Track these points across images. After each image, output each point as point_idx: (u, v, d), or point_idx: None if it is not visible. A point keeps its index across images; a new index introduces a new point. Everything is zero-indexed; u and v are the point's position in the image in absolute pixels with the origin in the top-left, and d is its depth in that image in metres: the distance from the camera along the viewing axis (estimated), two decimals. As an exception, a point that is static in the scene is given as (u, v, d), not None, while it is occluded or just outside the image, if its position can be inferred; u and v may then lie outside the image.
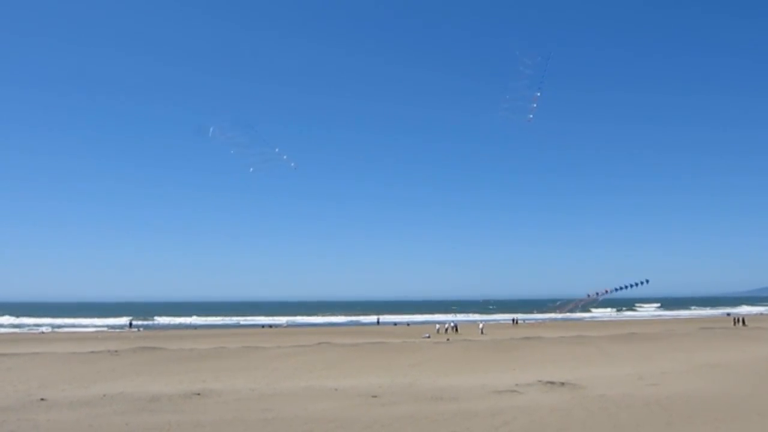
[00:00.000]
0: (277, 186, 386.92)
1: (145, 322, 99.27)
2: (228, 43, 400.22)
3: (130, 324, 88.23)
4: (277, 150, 25.20)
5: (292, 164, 25.90)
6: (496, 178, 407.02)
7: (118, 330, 78.85)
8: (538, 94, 22.80)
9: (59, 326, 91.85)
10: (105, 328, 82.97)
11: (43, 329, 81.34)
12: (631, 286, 25.30)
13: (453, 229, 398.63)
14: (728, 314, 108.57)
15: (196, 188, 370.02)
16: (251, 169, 26.34)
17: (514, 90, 22.71)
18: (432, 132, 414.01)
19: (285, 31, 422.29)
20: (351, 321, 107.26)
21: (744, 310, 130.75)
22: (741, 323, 68.74)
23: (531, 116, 23.14)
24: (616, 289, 25.80)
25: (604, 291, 25.20)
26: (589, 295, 25.24)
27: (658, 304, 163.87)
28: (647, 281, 25.17)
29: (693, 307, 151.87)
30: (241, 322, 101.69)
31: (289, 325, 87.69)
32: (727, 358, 29.51)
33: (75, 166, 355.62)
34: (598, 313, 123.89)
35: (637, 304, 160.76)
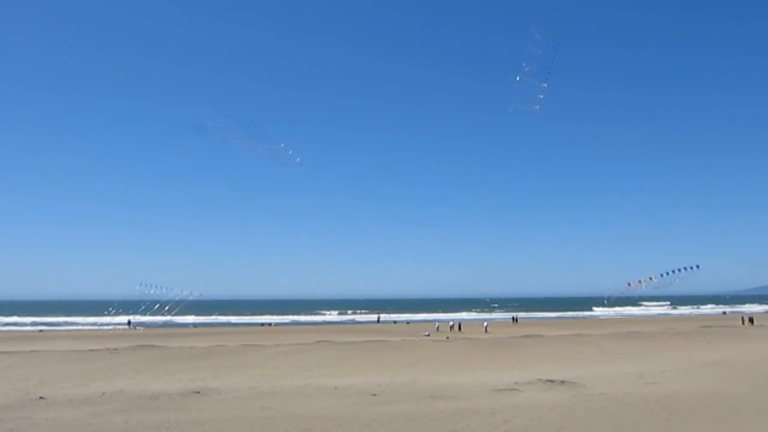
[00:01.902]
0: (276, 184, 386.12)
1: (144, 320, 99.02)
2: (229, 44, 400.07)
3: (129, 322, 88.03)
4: (282, 145, 25.03)
5: (297, 159, 25.68)
6: (498, 177, 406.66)
7: (117, 328, 78.78)
8: (545, 85, 22.38)
9: (56, 324, 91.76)
10: (111, 327, 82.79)
11: (41, 327, 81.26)
12: (680, 270, 24.19)
13: (454, 227, 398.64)
14: (724, 313, 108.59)
15: (193, 187, 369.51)
16: (233, 142, 26.08)
17: (521, 80, 22.23)
18: (433, 131, 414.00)
19: (286, 31, 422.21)
20: (351, 319, 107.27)
21: (747, 308, 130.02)
22: (749, 322, 64.89)
23: (537, 107, 22.77)
24: (662, 275, 24.48)
25: (649, 279, 24.25)
26: (630, 284, 24.39)
27: (668, 303, 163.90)
28: (698, 266, 24.15)
29: (701, 306, 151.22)
30: (232, 321, 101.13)
31: (276, 324, 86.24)
32: (726, 357, 29.50)
33: (73, 165, 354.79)
34: (598, 311, 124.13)
35: (642, 303, 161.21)
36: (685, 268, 24.10)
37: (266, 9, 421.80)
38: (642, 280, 24.37)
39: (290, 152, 24.96)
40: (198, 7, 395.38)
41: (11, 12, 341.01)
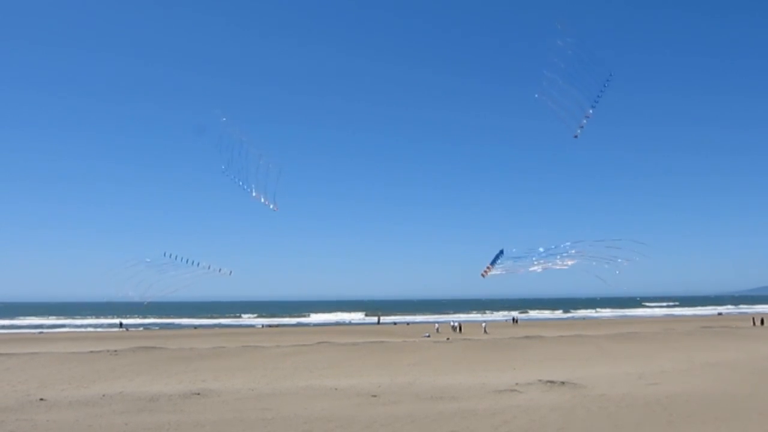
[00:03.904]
0: (275, 186, 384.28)
1: (138, 321, 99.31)
2: (229, 45, 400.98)
3: (121, 324, 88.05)
4: (254, 194, 23.97)
5: (271, 206, 24.66)
6: (500, 177, 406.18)
7: (112, 330, 78.77)
8: (591, 111, 21.08)
9: (56, 326, 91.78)
10: (104, 329, 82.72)
11: (41, 329, 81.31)
12: (495, 259, 23.52)
13: (455, 228, 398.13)
14: (720, 314, 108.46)
15: (191, 188, 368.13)
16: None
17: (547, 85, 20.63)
18: (433, 131, 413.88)
19: (286, 31, 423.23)
20: (351, 320, 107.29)
21: (757, 309, 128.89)
22: (761, 324, 63.66)
23: (579, 131, 21.49)
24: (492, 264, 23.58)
25: (486, 270, 23.77)
26: (483, 275, 23.79)
27: (675, 303, 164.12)
28: (502, 252, 23.36)
29: (702, 307, 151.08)
30: (222, 322, 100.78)
31: (276, 326, 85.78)
32: (727, 357, 29.49)
33: (73, 168, 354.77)
34: (600, 312, 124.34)
35: (645, 303, 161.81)
36: (497, 257, 23.17)
37: (266, 10, 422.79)
38: (485, 272, 23.53)
39: (262, 200, 24.17)
40: (199, 9, 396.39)
41: (12, 14, 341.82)
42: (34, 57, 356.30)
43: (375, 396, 19.32)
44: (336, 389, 21.01)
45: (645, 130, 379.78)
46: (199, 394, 20.25)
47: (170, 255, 22.81)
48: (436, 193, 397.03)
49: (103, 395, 20.21)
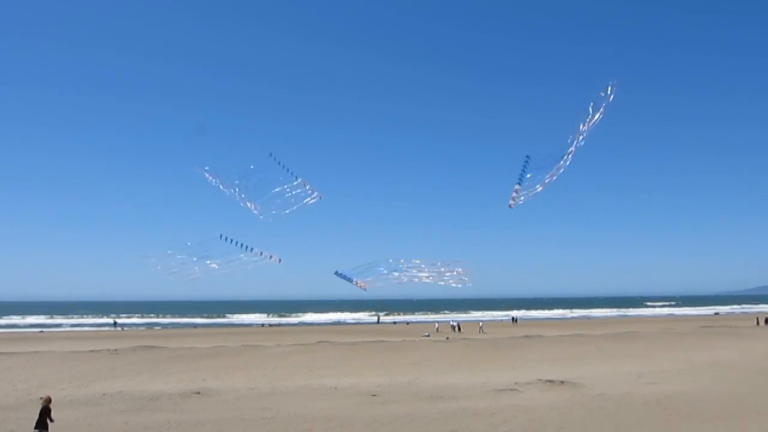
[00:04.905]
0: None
1: (135, 321, 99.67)
2: (229, 44, 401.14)
3: (115, 323, 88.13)
4: (299, 180, 23.31)
5: (315, 193, 24.10)
6: (500, 176, 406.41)
7: (111, 330, 78.76)
8: (518, 186, 20.50)
9: (57, 325, 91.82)
10: (111, 328, 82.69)
11: (42, 328, 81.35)
12: (345, 277, 23.26)
13: (454, 227, 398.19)
14: (717, 314, 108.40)
15: (190, 187, 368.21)
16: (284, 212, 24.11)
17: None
18: (433, 131, 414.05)
19: (286, 31, 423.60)
20: (350, 320, 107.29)
21: (760, 308, 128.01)
22: (765, 323, 62.99)
23: (512, 203, 21.05)
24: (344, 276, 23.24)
25: (360, 283, 23.51)
26: (361, 286, 23.32)
27: (675, 302, 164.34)
28: (337, 273, 23.04)
29: (701, 307, 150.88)
30: (222, 322, 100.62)
31: (277, 325, 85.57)
32: (725, 357, 29.53)
33: (74, 166, 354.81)
34: (600, 311, 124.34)
35: (647, 302, 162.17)
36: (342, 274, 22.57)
37: (267, 9, 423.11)
38: (363, 281, 23.02)
39: (307, 187, 23.40)
40: (199, 8, 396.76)
41: (11, 12, 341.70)
42: (35, 55, 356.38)
43: (375, 395, 19.37)
44: (336, 388, 21.06)
45: (645, 130, 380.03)
46: (199, 393, 20.30)
47: (226, 238, 22.30)
48: (437, 192, 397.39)
49: (104, 394, 20.25)
